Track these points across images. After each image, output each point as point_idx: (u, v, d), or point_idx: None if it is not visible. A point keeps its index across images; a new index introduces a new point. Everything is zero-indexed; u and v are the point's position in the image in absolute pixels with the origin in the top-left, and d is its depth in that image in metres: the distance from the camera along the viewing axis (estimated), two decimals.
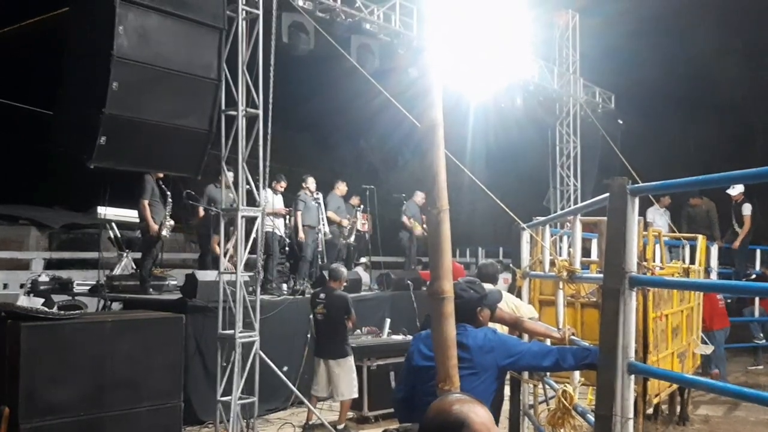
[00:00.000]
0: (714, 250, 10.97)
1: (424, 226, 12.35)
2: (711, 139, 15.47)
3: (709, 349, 8.20)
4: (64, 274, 10.81)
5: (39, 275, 10.33)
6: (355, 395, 7.72)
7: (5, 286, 11.45)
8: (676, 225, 12.20)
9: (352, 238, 11.83)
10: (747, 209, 11.55)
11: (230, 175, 7.48)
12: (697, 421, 8.03)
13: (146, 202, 9.06)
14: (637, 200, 3.43)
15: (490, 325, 3.82)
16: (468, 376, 3.30)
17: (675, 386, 7.17)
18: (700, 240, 8.48)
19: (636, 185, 3.45)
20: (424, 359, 3.43)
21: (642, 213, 11.56)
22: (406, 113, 6.12)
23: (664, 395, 6.89)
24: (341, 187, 11.90)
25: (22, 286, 9.85)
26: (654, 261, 7.28)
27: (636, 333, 5.96)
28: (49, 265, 12.47)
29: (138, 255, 9.97)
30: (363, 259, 12.63)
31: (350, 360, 7.68)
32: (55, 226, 16.61)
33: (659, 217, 12.16)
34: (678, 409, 7.97)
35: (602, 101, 14.87)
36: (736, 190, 11.52)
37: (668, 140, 16.28)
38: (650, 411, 7.72)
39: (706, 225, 11.72)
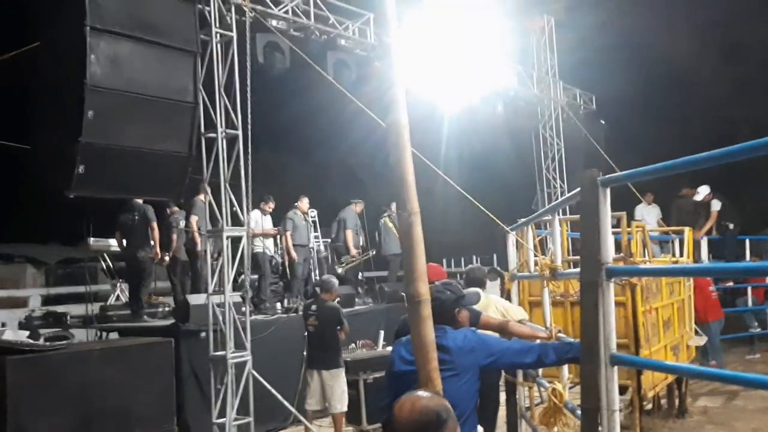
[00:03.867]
0: (704, 243, 11.01)
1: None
2: (695, 136, 15.50)
3: (702, 341, 8.20)
4: (61, 308, 10.77)
5: (33, 311, 10.31)
6: (345, 409, 7.67)
7: (3, 324, 11.42)
8: (667, 219, 12.25)
9: (340, 270, 11.71)
10: (717, 205, 11.75)
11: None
12: (696, 413, 8.00)
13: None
14: (608, 191, 3.41)
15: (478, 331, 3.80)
16: (450, 378, 3.28)
17: (671, 379, 7.16)
18: (687, 232, 8.49)
19: (606, 176, 3.44)
20: (406, 364, 3.41)
21: (630, 210, 11.61)
22: (380, 121, 6.12)
23: (659, 388, 6.87)
24: (359, 206, 11.97)
25: (20, 324, 9.81)
26: (644, 255, 7.30)
27: (627, 328, 6.02)
28: (47, 300, 12.42)
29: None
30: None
31: (342, 372, 7.64)
32: (50, 261, 16.57)
33: (647, 214, 12.22)
34: (676, 402, 7.96)
35: (583, 103, 14.96)
36: (701, 194, 11.79)
37: (652, 139, 16.33)
38: (649, 406, 7.71)
39: (694, 216, 11.77)
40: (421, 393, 2.30)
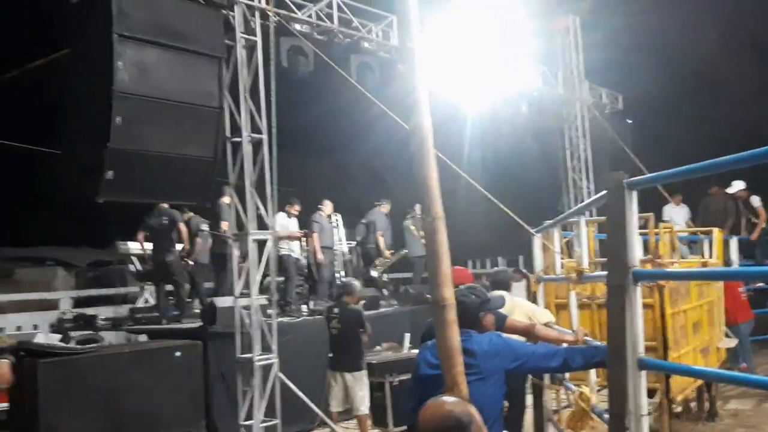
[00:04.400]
0: (734, 243, 10.82)
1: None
2: (722, 135, 15.29)
3: (732, 343, 8.06)
4: (91, 311, 10.93)
5: (64, 313, 10.47)
6: (367, 411, 7.69)
7: (36, 327, 11.60)
8: (695, 217, 12.09)
9: (375, 273, 11.70)
10: (757, 201, 11.56)
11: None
12: (727, 416, 7.88)
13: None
14: (635, 194, 3.38)
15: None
16: (475, 382, 3.27)
17: (701, 381, 7.06)
18: (715, 233, 8.37)
19: (632, 179, 3.40)
20: (431, 368, 3.41)
21: (658, 211, 11.42)
22: (403, 124, 6.14)
23: (689, 391, 6.77)
24: (385, 207, 12.02)
25: (51, 326, 9.98)
26: (672, 257, 7.21)
27: (655, 330, 5.95)
28: (78, 303, 12.57)
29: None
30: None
31: (365, 375, 7.66)
32: (81, 264, 16.80)
33: (676, 214, 12.06)
34: (706, 405, 7.85)
35: (610, 102, 14.81)
36: (735, 187, 11.59)
37: (679, 138, 16.14)
38: (679, 409, 7.61)
39: (722, 216, 11.59)
40: (446, 398, 2.32)
